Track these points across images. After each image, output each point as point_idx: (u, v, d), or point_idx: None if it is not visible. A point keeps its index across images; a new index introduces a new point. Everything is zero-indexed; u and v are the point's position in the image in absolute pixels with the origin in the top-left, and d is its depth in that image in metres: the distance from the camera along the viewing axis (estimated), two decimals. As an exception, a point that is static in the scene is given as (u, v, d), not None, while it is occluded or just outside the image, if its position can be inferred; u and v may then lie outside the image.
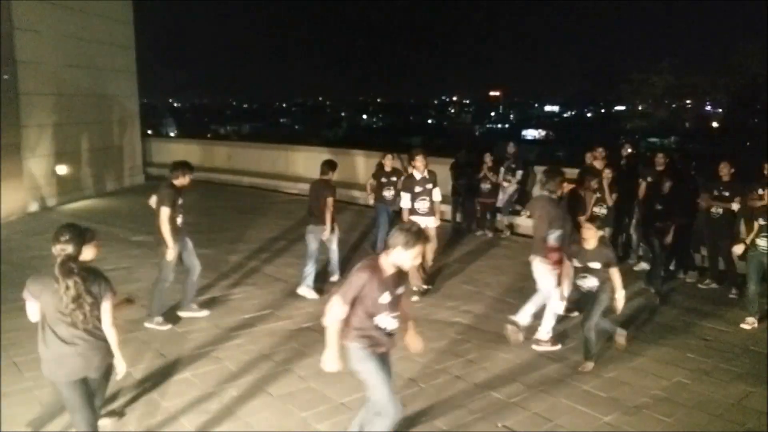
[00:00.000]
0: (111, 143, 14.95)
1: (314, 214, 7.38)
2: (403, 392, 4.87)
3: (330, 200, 7.31)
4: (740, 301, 6.96)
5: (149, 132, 24.37)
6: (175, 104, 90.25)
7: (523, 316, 5.89)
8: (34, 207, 12.07)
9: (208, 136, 42.33)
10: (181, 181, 6.34)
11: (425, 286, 7.37)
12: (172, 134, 43.32)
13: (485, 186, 10.18)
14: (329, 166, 7.62)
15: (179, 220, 6.29)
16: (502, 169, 10.25)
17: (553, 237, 5.60)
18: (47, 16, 12.41)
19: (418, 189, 7.28)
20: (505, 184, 10.22)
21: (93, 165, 14.15)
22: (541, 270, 5.72)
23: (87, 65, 13.82)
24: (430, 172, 7.45)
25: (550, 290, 5.71)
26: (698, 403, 4.76)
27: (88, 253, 3.84)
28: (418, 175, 7.33)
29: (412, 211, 7.29)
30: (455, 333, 6.14)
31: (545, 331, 5.78)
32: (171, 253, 6.07)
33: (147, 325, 6.18)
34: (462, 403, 4.73)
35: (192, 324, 6.27)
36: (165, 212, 6.09)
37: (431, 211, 7.31)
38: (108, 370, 3.78)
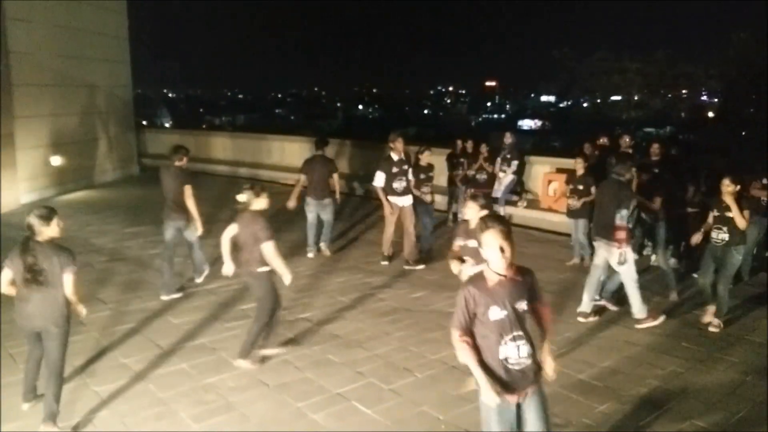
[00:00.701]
0: (105, 134, 14.86)
1: (318, 189, 8.21)
2: (398, 382, 4.89)
3: (336, 175, 8.38)
4: (734, 290, 7.00)
5: (144, 123, 24.22)
6: (170, 95, 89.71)
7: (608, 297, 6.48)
8: (28, 198, 12.00)
9: (203, 126, 42.13)
10: (185, 162, 6.86)
11: (416, 263, 7.99)
12: (166, 125, 43.13)
13: (481, 176, 10.17)
14: (324, 142, 8.54)
15: None
16: (498, 160, 10.23)
17: (618, 216, 5.97)
18: (39, 6, 12.29)
19: (395, 170, 7.80)
20: (501, 174, 10.21)
21: (87, 156, 14.08)
22: (612, 251, 6.05)
23: (80, 56, 13.72)
24: (406, 154, 8.09)
25: (628, 268, 6.05)
26: (693, 391, 4.79)
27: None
28: (395, 157, 7.86)
29: (390, 190, 7.84)
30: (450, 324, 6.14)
31: (639, 309, 6.06)
32: (200, 227, 6.88)
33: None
34: (458, 392, 4.73)
35: (188, 315, 6.26)
36: (190, 190, 6.71)
37: (407, 191, 7.93)
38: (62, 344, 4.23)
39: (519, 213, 10.54)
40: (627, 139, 9.23)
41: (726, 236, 6.00)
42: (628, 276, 6.07)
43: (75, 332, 5.28)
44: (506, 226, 2.99)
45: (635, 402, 4.62)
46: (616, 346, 5.64)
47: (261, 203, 5.06)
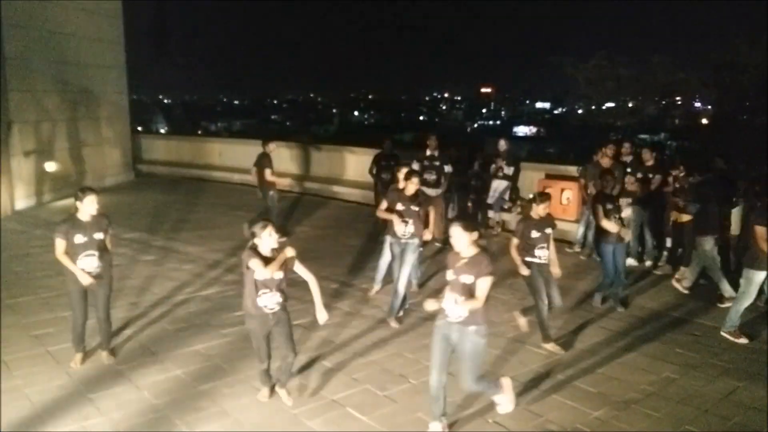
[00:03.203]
0: (101, 140, 14.83)
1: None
2: (394, 388, 4.90)
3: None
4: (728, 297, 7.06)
5: (139, 129, 24.19)
6: (165, 101, 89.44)
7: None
8: (23, 204, 11.98)
9: (199, 132, 42.07)
10: (272, 147, 9.64)
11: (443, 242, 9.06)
12: (162, 131, 43.02)
13: (477, 182, 10.21)
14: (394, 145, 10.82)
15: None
16: (493, 166, 10.25)
17: None
18: (35, 11, 12.29)
19: (426, 163, 9.32)
20: (496, 180, 10.23)
21: (82, 162, 14.04)
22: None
23: (75, 61, 13.71)
24: (440, 151, 9.39)
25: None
26: (686, 397, 4.81)
27: None
28: (429, 152, 9.39)
29: (422, 180, 8.75)
30: (446, 329, 6.15)
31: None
32: (275, 196, 9.62)
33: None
34: (454, 399, 4.74)
35: (183, 321, 6.25)
36: (269, 171, 9.48)
37: (436, 184, 9.26)
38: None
39: (513, 219, 10.54)
40: (627, 146, 9.28)
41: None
42: None
43: (68, 339, 5.29)
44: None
45: (630, 408, 4.64)
46: (610, 351, 5.66)
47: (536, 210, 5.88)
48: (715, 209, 7.00)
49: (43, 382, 4.86)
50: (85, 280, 5.03)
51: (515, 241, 5.87)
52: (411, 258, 6.36)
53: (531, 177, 11.07)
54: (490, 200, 10.30)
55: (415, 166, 9.13)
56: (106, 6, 15.03)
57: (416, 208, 6.36)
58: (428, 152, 9.34)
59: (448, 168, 9.35)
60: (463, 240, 4.11)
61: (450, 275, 4.19)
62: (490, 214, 10.51)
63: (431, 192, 9.16)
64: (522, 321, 5.94)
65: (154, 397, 4.70)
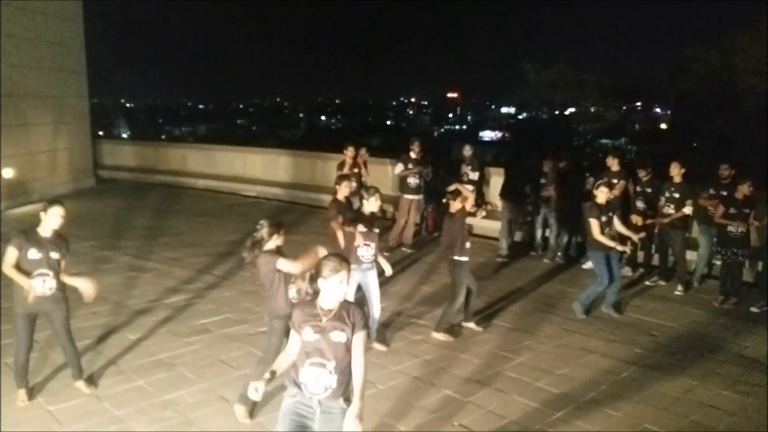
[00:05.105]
0: (60, 145, 14.49)
1: None
2: (360, 394, 4.90)
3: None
4: (686, 298, 7.28)
5: (100, 133, 23.72)
6: (128, 105, 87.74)
7: None
8: (-22, 212, 11.62)
9: (162, 137, 41.46)
10: (350, 153, 9.44)
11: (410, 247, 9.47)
12: (124, 135, 42.25)
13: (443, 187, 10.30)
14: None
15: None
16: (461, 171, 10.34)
17: None
18: (-9, 14, 11.97)
19: (410, 166, 9.30)
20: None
21: (41, 168, 13.70)
22: None
23: (34, 65, 13.37)
24: (423, 155, 9.48)
25: None
26: (645, 397, 4.94)
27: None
28: (413, 155, 9.39)
29: (404, 185, 9.32)
30: (412, 334, 6.20)
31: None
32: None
33: None
34: (420, 403, 4.79)
35: (145, 330, 6.15)
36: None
37: (419, 190, 9.36)
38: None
39: (480, 224, 10.66)
40: (587, 152, 9.48)
41: None
42: None
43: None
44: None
45: (591, 408, 4.74)
46: (572, 353, 5.77)
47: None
48: (521, 187, 9.14)
49: (1, 395, 4.73)
50: (36, 291, 4.51)
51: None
52: (376, 283, 5.73)
53: (498, 182, 11.20)
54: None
55: (399, 168, 9.37)
56: (66, 9, 14.72)
57: (376, 231, 5.73)
58: (413, 155, 9.43)
59: (428, 176, 9.57)
60: (345, 284, 3.05)
61: (310, 335, 3.06)
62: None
63: (414, 197, 9.40)
64: (441, 337, 6.05)
65: (116, 408, 4.61)
